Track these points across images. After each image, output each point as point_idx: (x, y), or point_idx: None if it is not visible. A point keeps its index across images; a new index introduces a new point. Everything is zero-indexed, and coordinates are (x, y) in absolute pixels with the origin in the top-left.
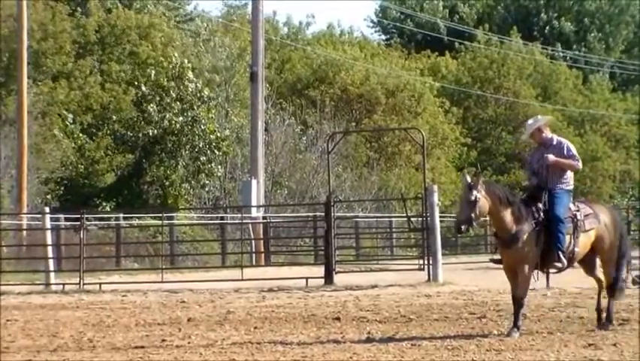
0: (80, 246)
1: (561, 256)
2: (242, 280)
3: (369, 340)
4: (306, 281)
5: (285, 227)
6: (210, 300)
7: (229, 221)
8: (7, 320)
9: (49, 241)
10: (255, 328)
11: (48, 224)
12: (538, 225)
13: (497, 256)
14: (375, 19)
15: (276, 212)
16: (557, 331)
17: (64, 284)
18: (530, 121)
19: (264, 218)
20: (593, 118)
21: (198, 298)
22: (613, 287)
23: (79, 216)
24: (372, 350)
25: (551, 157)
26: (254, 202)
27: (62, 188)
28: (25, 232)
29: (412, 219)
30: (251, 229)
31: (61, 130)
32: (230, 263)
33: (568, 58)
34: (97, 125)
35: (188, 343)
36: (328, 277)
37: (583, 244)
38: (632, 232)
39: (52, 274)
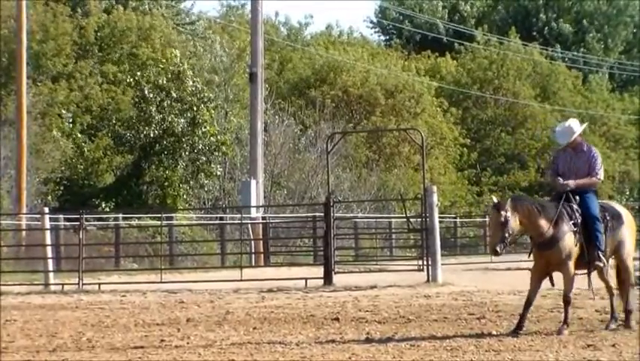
0: (79, 246)
1: (601, 255)
2: (241, 280)
3: (368, 340)
4: (306, 282)
5: (285, 227)
6: (209, 300)
7: (228, 221)
8: (7, 320)
9: (48, 241)
10: (254, 328)
11: (47, 224)
12: (577, 225)
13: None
14: (375, 20)
15: (275, 212)
16: (556, 332)
17: (63, 284)
18: (572, 124)
19: (263, 218)
20: (592, 118)
21: (197, 298)
22: (632, 286)
23: (78, 216)
24: (371, 350)
25: (572, 183)
26: (253, 203)
27: (61, 188)
28: (24, 232)
29: (411, 219)
30: (250, 230)
31: (60, 130)
32: (229, 263)
33: (567, 59)
34: (96, 126)
35: (187, 343)
36: (327, 278)
37: (611, 244)
38: None
39: (51, 275)
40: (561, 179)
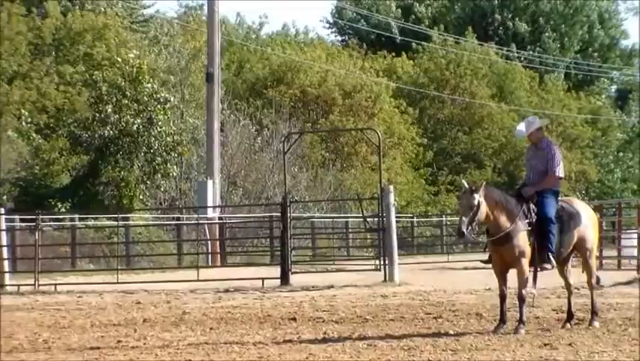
0: (35, 247)
1: (551, 257)
2: (198, 280)
3: (325, 340)
4: (262, 282)
5: (241, 227)
6: (166, 301)
7: (185, 222)
8: None
9: (4, 242)
10: (211, 328)
11: (3, 225)
12: (531, 225)
13: (485, 257)
14: (331, 20)
15: (231, 212)
16: (513, 331)
17: (19, 285)
18: (531, 119)
19: (219, 218)
20: (548, 118)
21: (154, 299)
22: (597, 282)
23: (34, 217)
24: (328, 350)
25: (530, 190)
26: (210, 203)
27: (17, 189)
28: None
29: (368, 219)
30: (207, 230)
31: (17, 131)
32: (186, 264)
33: (523, 58)
34: (52, 127)
35: (144, 344)
36: (284, 278)
37: (567, 244)
38: None
39: (7, 275)
40: (526, 183)
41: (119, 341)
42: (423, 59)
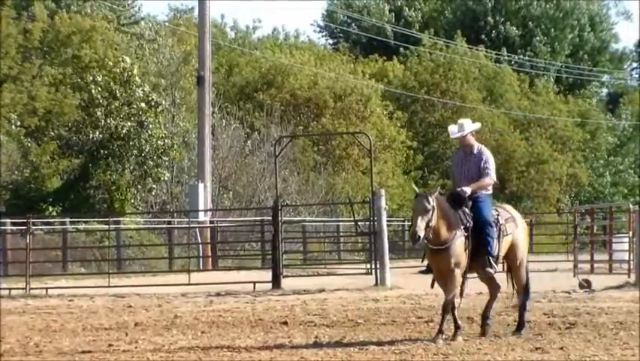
0: (26, 250)
1: (492, 261)
2: (189, 284)
3: (316, 344)
4: (254, 285)
5: (233, 231)
6: (157, 304)
7: (176, 225)
8: None
9: None
10: (203, 332)
11: None
12: (467, 230)
13: (423, 266)
14: (322, 23)
15: (223, 216)
16: (504, 335)
17: (10, 289)
18: (464, 122)
19: (211, 222)
20: (539, 121)
21: (145, 302)
22: (527, 291)
23: (25, 220)
24: (319, 354)
25: (467, 190)
26: (201, 206)
27: (8, 192)
28: None
29: (360, 223)
30: (198, 234)
31: (7, 134)
32: (177, 267)
33: (513, 62)
34: (42, 130)
35: (135, 348)
36: (276, 282)
37: (504, 248)
38: (578, 236)
39: None
40: (458, 186)
41: (110, 345)
42: (413, 62)
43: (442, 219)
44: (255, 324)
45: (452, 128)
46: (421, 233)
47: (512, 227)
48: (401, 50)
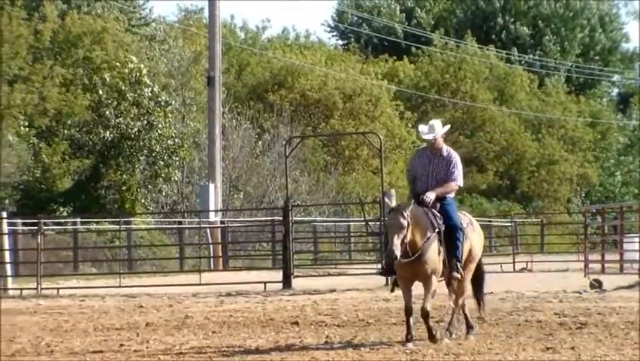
0: (38, 251)
1: (459, 266)
2: (200, 284)
3: (327, 344)
4: (264, 286)
5: (243, 231)
6: (168, 305)
7: (187, 226)
8: None
9: (6, 245)
10: (214, 332)
11: (5, 229)
12: (440, 234)
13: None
14: (332, 24)
15: (233, 216)
16: (515, 335)
17: (21, 289)
18: (433, 124)
19: (221, 222)
20: (550, 121)
21: (156, 302)
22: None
23: (36, 221)
24: (330, 354)
25: (432, 195)
26: (211, 207)
27: (19, 193)
28: None
29: (370, 223)
30: (209, 234)
31: (17, 134)
32: (188, 268)
33: (524, 62)
34: (53, 130)
35: (147, 348)
36: (286, 282)
37: (466, 252)
38: (589, 236)
39: (9, 279)
40: (420, 185)
41: (121, 345)
42: (423, 62)
43: (416, 228)
44: (265, 324)
45: (423, 128)
46: (398, 252)
47: (470, 231)
48: (412, 49)
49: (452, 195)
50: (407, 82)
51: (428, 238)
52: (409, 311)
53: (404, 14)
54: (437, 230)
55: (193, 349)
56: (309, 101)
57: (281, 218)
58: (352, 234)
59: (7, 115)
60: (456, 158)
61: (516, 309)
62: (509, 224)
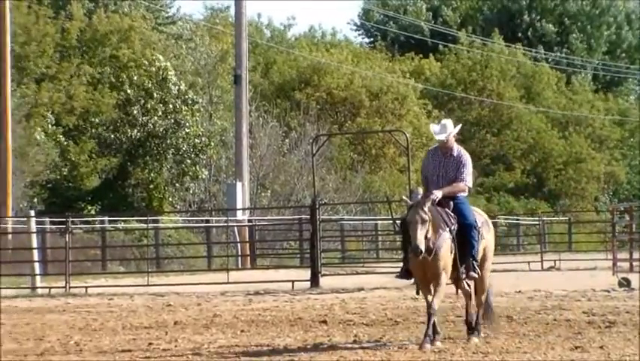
0: (66, 249)
1: (475, 265)
2: (228, 283)
3: (356, 343)
4: (292, 284)
5: (271, 230)
6: (197, 303)
7: (214, 224)
8: None
9: (34, 244)
10: (242, 331)
11: (33, 227)
12: (452, 233)
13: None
14: (359, 22)
15: (261, 215)
16: (544, 333)
17: (50, 288)
18: (447, 122)
19: (249, 221)
20: (577, 119)
21: (184, 301)
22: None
23: (64, 219)
24: (359, 353)
25: (438, 193)
26: (239, 205)
27: (47, 191)
28: (10, 236)
29: (398, 221)
30: (236, 232)
31: (44, 132)
32: (216, 266)
33: (550, 59)
34: (80, 129)
35: (175, 346)
36: (314, 280)
37: (482, 251)
38: (617, 234)
39: (38, 278)
40: (432, 185)
41: (150, 344)
42: (450, 60)
43: (431, 225)
44: (294, 323)
45: (434, 128)
46: (422, 246)
47: (486, 231)
48: (439, 47)
49: (464, 194)
50: (433, 80)
51: (441, 236)
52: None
53: (430, 12)
54: (450, 228)
55: (221, 348)
56: (335, 99)
57: (308, 216)
58: (380, 232)
59: (35, 114)
60: (466, 158)
61: (544, 308)
62: (537, 222)
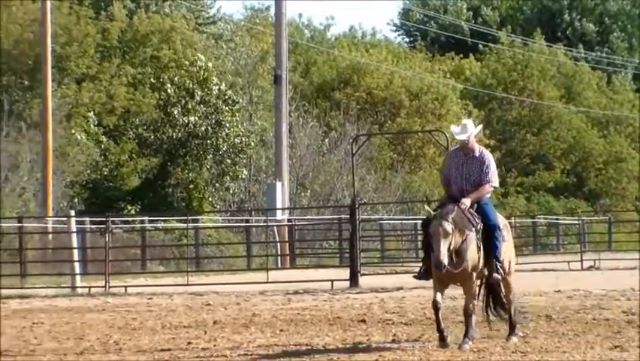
0: (106, 249)
1: (499, 266)
2: (267, 282)
3: (394, 342)
4: (332, 284)
5: (310, 230)
6: (236, 303)
7: (254, 224)
8: (34, 323)
9: (74, 244)
10: (281, 330)
11: (73, 227)
12: (478, 233)
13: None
14: (398, 22)
15: (300, 214)
16: (583, 333)
17: (90, 287)
18: (467, 122)
19: (288, 221)
20: (617, 119)
21: (224, 300)
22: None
23: (104, 219)
24: (397, 352)
25: (467, 201)
26: (278, 205)
27: (87, 191)
28: (50, 236)
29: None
30: (276, 232)
31: (85, 132)
32: (255, 266)
33: (590, 59)
34: (120, 130)
35: (214, 346)
36: (353, 280)
37: (504, 253)
38: None
39: (78, 277)
40: (454, 187)
41: (189, 343)
42: (490, 60)
43: (456, 229)
44: (333, 322)
45: (455, 129)
46: (445, 260)
47: (507, 233)
48: (479, 47)
49: (488, 195)
50: (473, 80)
51: (467, 237)
52: (436, 306)
53: (470, 12)
54: (476, 229)
55: (260, 347)
56: (375, 99)
57: (348, 216)
58: (419, 232)
59: (76, 114)
60: (489, 158)
61: (584, 307)
62: (577, 222)
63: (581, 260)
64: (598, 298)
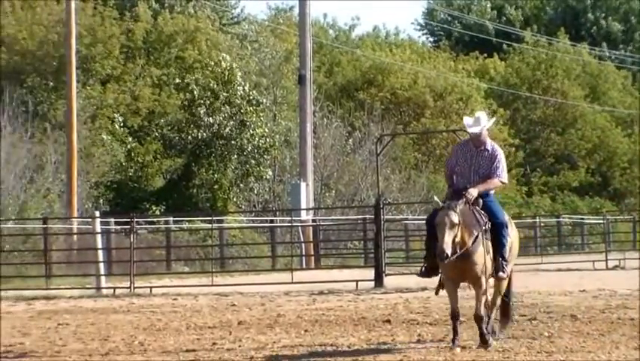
0: (131, 249)
1: (505, 265)
2: (292, 283)
3: (419, 343)
4: (356, 284)
5: (335, 230)
6: (261, 303)
7: (278, 224)
8: (59, 324)
9: (99, 244)
10: (306, 331)
11: (98, 228)
12: (487, 232)
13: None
14: (423, 22)
15: (325, 215)
16: (608, 332)
17: (114, 288)
18: (481, 115)
19: (313, 221)
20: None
21: (249, 301)
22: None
23: (129, 220)
24: (422, 352)
25: (474, 192)
26: (303, 205)
27: (112, 192)
28: (75, 236)
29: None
30: (300, 232)
31: (109, 133)
32: (280, 266)
33: (615, 58)
34: (145, 130)
35: (239, 346)
36: (378, 280)
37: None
38: None
39: (102, 278)
40: (461, 180)
41: (214, 344)
42: (514, 59)
43: (463, 226)
44: (357, 322)
45: (467, 121)
46: (449, 250)
47: (511, 229)
48: (503, 47)
49: (493, 192)
50: (498, 79)
51: (476, 237)
52: (455, 316)
53: (495, 11)
54: (484, 228)
55: (285, 347)
56: (399, 99)
57: (372, 216)
58: None
59: (100, 115)
60: (500, 153)
61: (609, 307)
62: (601, 221)
63: (606, 260)
64: (623, 298)
